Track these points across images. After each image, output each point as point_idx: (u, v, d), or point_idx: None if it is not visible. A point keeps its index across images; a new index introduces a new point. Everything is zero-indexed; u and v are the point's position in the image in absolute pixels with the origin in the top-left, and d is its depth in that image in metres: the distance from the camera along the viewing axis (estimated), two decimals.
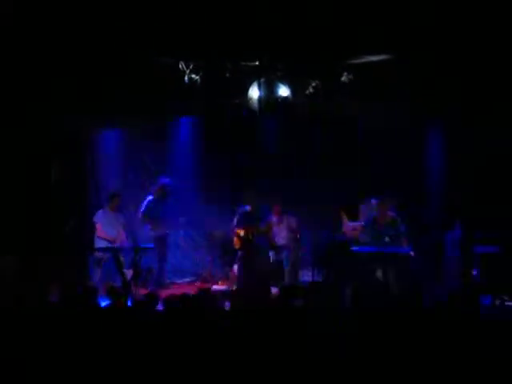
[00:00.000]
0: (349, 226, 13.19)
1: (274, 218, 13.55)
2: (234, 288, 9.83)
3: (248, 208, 12.40)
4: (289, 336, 7.10)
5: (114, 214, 12.45)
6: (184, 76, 10.89)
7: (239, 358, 6.70)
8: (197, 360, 6.67)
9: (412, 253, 11.69)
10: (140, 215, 13.00)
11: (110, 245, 12.22)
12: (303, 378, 6.53)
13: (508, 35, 10.21)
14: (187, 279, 14.42)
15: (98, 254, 12.20)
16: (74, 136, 13.04)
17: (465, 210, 12.85)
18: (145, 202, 13.09)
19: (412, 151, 14.04)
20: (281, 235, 13.52)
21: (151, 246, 12.71)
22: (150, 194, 13.21)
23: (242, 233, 12.29)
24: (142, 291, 11.40)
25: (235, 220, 12.47)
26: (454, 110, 11.87)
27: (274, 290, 10.94)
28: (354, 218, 13.03)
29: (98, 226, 12.39)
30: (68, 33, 10.26)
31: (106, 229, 12.36)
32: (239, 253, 12.46)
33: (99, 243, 12.34)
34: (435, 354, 6.65)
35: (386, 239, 11.77)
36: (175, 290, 12.87)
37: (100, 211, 12.50)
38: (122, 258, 12.20)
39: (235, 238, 12.49)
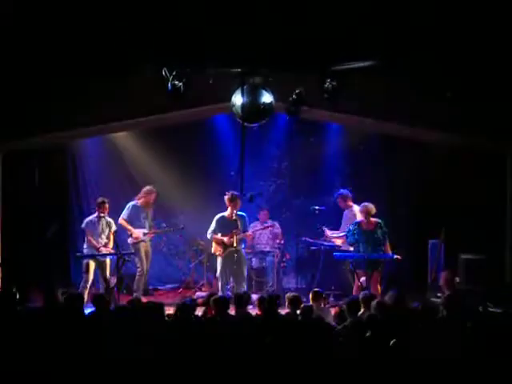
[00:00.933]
0: (329, 235, 13.28)
1: (259, 224, 13.58)
2: (216, 294, 9.75)
3: (226, 214, 12.35)
4: (272, 344, 7.08)
5: (101, 220, 12.39)
6: (167, 83, 10.82)
7: (223, 367, 6.69)
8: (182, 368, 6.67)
9: (397, 257, 11.72)
10: (120, 219, 12.96)
11: (93, 251, 12.20)
12: None
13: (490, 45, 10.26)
14: (170, 286, 14.41)
15: (85, 261, 12.15)
16: (57, 143, 13.00)
17: (449, 217, 12.90)
18: (127, 207, 13.07)
19: (395, 160, 14.12)
20: (265, 241, 13.54)
21: (134, 252, 12.70)
22: (133, 199, 13.19)
23: (225, 239, 12.24)
24: (125, 297, 11.37)
25: (213, 226, 12.42)
26: (439, 118, 11.89)
27: (256, 297, 10.90)
28: None
29: (86, 232, 12.36)
30: (50, 40, 10.22)
31: (94, 235, 12.31)
32: (219, 259, 12.43)
33: (88, 250, 12.31)
34: (420, 360, 6.66)
35: (370, 245, 11.80)
36: (158, 297, 12.86)
37: (88, 218, 12.47)
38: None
39: (214, 244, 12.46)
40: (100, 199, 12.46)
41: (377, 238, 11.77)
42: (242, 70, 10.70)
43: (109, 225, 12.43)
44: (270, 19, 9.76)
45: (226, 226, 12.32)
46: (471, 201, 12.94)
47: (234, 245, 12.16)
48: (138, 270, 13.00)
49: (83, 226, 12.41)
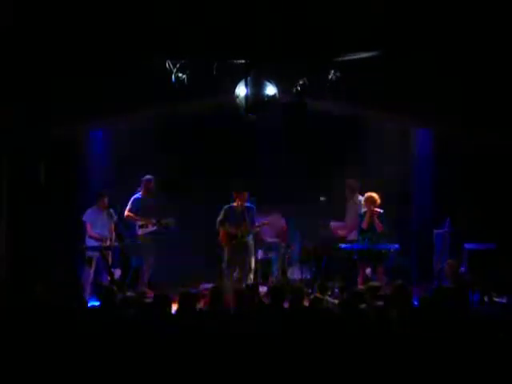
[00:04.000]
0: (334, 227, 13.31)
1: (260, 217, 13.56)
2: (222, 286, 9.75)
3: (235, 205, 12.38)
4: (279, 337, 7.08)
5: (103, 212, 12.41)
6: (171, 75, 10.82)
7: (230, 361, 6.69)
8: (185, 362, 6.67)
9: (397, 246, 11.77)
10: (125, 212, 12.97)
11: (98, 244, 12.21)
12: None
13: (498, 35, 10.23)
14: (175, 278, 14.37)
15: (88, 253, 12.17)
16: (62, 136, 12.98)
17: (454, 207, 12.90)
18: (131, 200, 13.08)
19: (401, 149, 14.09)
20: (269, 234, 13.52)
21: (139, 244, 12.68)
22: (137, 192, 13.19)
23: (232, 229, 12.26)
24: (130, 290, 11.38)
25: (221, 216, 12.45)
26: (444, 109, 11.86)
27: (263, 289, 10.92)
28: None
29: (87, 225, 12.39)
30: (53, 34, 10.22)
31: (96, 228, 12.35)
32: (226, 250, 12.45)
33: (89, 242, 12.32)
34: (424, 350, 6.65)
35: (371, 235, 11.84)
36: (164, 290, 12.83)
37: (89, 210, 12.49)
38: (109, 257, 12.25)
39: (221, 234, 12.47)
40: (99, 191, 12.48)
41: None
42: (246, 61, 10.70)
43: (110, 216, 12.43)
44: (273, 10, 9.75)
45: (233, 217, 12.37)
46: (479, 189, 12.97)
47: (241, 236, 12.18)
48: (145, 262, 13.01)
49: (84, 218, 12.43)
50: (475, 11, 9.73)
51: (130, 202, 13.02)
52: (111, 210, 12.45)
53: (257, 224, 12.54)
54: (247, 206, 12.38)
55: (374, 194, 11.97)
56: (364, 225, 12.04)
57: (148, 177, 13.18)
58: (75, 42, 10.34)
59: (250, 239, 12.55)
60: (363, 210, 12.16)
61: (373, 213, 11.88)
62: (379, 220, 11.85)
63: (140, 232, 12.96)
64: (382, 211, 11.93)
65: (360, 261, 11.94)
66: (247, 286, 9.76)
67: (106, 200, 12.43)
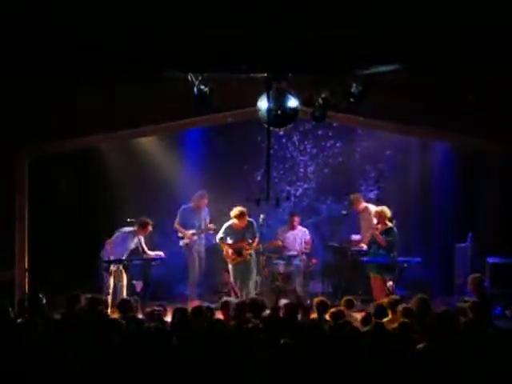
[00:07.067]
0: (353, 240, 13.32)
1: (289, 229, 13.53)
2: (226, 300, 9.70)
3: (233, 222, 12.44)
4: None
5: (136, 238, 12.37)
6: (193, 87, 10.85)
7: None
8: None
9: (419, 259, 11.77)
10: (175, 224, 13.35)
11: (118, 257, 12.19)
12: None
13: None
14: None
15: (106, 266, 12.16)
16: (83, 148, 13.03)
17: (476, 221, 12.85)
18: (179, 211, 13.37)
19: (423, 163, 14.08)
20: (294, 246, 13.47)
21: (160, 258, 12.65)
22: (185, 202, 13.30)
23: (230, 247, 12.45)
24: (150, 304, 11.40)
25: (220, 233, 12.63)
26: (465, 122, 11.81)
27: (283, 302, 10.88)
28: None
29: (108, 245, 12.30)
30: (76, 41, 10.26)
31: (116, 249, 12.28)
32: (230, 266, 12.62)
33: (109, 255, 12.30)
34: (445, 362, 6.62)
35: (380, 248, 11.88)
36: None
37: (123, 232, 12.38)
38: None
39: (225, 250, 12.56)
40: (143, 220, 12.33)
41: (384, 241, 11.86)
42: (268, 74, 10.70)
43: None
44: (295, 24, 9.75)
45: (234, 234, 12.58)
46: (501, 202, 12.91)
47: (246, 257, 12.48)
48: (190, 275, 13.13)
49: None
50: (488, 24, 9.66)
51: (178, 213, 13.39)
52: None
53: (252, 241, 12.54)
54: (248, 221, 12.54)
55: (382, 209, 12.03)
56: (364, 241, 12.55)
57: (201, 192, 13.42)
58: (101, 52, 10.36)
59: (252, 256, 12.69)
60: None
61: (373, 229, 11.96)
62: (383, 235, 11.87)
63: (182, 243, 13.19)
64: (391, 225, 11.92)
65: (382, 274, 11.88)
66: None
67: (148, 229, 12.39)
